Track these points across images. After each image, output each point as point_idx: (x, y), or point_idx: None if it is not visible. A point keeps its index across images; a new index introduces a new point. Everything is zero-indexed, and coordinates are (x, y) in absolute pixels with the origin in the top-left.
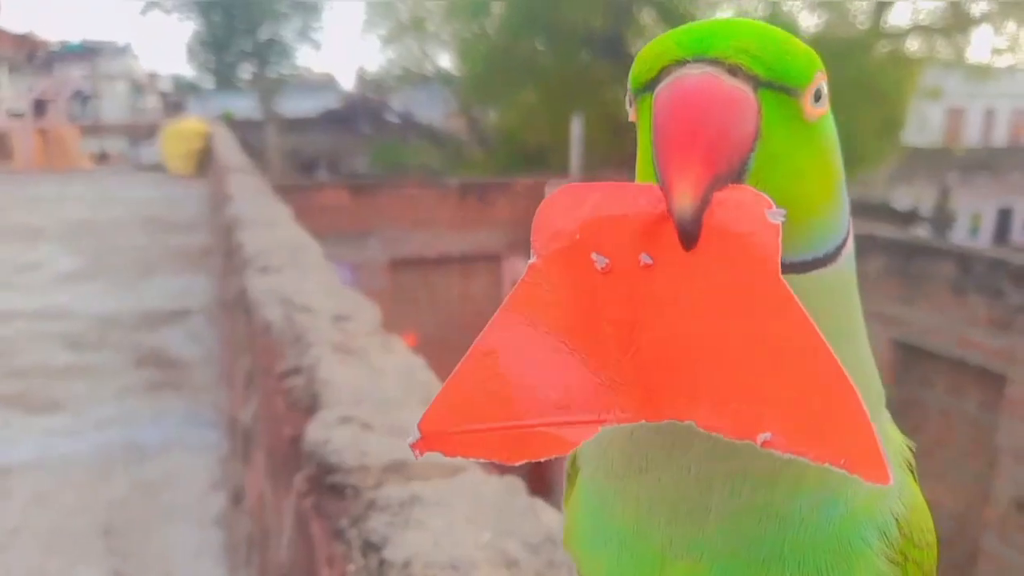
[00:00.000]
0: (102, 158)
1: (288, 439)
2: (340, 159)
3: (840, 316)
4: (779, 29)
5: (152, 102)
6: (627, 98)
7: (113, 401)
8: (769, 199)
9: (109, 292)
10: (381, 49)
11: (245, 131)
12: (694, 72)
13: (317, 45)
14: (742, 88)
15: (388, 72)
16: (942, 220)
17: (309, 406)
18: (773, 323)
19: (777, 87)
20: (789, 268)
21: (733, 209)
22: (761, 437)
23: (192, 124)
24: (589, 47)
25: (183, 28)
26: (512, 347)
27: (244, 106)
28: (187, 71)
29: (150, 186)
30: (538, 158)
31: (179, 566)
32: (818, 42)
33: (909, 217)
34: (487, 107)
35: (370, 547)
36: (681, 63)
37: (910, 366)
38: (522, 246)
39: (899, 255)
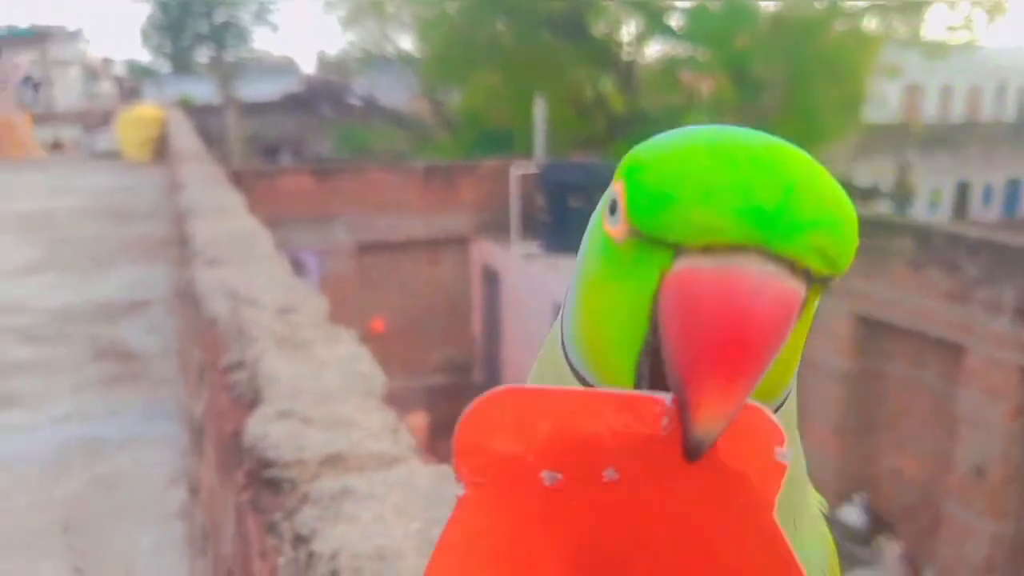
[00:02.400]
0: (55, 146)
1: (230, 434)
2: (303, 143)
3: (791, 435)
4: (835, 189)
5: (106, 88)
6: (607, 211)
7: (70, 395)
8: (782, 432)
9: (65, 284)
10: (341, 31)
11: (204, 116)
12: (754, 270)
13: (274, 27)
14: (798, 292)
15: (349, 55)
16: (902, 196)
17: (251, 401)
18: (757, 557)
19: (825, 281)
20: None
21: (743, 443)
22: None
23: (148, 110)
24: (550, 28)
25: (137, 11)
26: None
27: (202, 91)
28: (142, 56)
29: (106, 174)
30: (503, 140)
31: (140, 561)
32: (777, 21)
33: (870, 193)
34: (450, 89)
35: (300, 540)
36: (740, 248)
37: (871, 339)
38: (489, 228)
39: (858, 231)
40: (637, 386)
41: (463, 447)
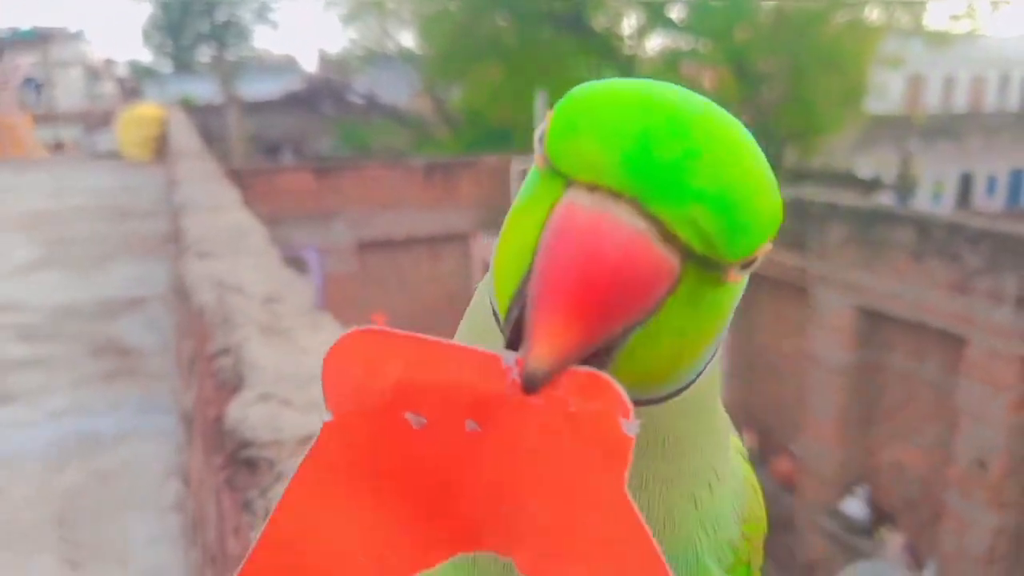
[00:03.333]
0: (57, 147)
1: (213, 419)
2: (304, 141)
3: (697, 416)
4: (752, 168)
5: (108, 89)
6: (537, 139)
7: (68, 391)
8: (628, 405)
9: (65, 282)
10: (342, 29)
11: (206, 116)
12: (619, 217)
13: (275, 25)
14: (668, 263)
15: (350, 52)
16: (905, 187)
17: (235, 386)
18: (610, 531)
19: (710, 265)
20: (646, 402)
21: (588, 410)
22: None
23: (149, 110)
24: (551, 23)
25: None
26: (308, 518)
27: (204, 90)
28: (144, 56)
29: (107, 174)
30: (503, 136)
31: (135, 553)
32: (779, 13)
33: (872, 185)
34: (451, 86)
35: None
36: (616, 194)
37: (872, 331)
38: (490, 224)
39: (859, 223)
40: (510, 311)
41: (328, 378)
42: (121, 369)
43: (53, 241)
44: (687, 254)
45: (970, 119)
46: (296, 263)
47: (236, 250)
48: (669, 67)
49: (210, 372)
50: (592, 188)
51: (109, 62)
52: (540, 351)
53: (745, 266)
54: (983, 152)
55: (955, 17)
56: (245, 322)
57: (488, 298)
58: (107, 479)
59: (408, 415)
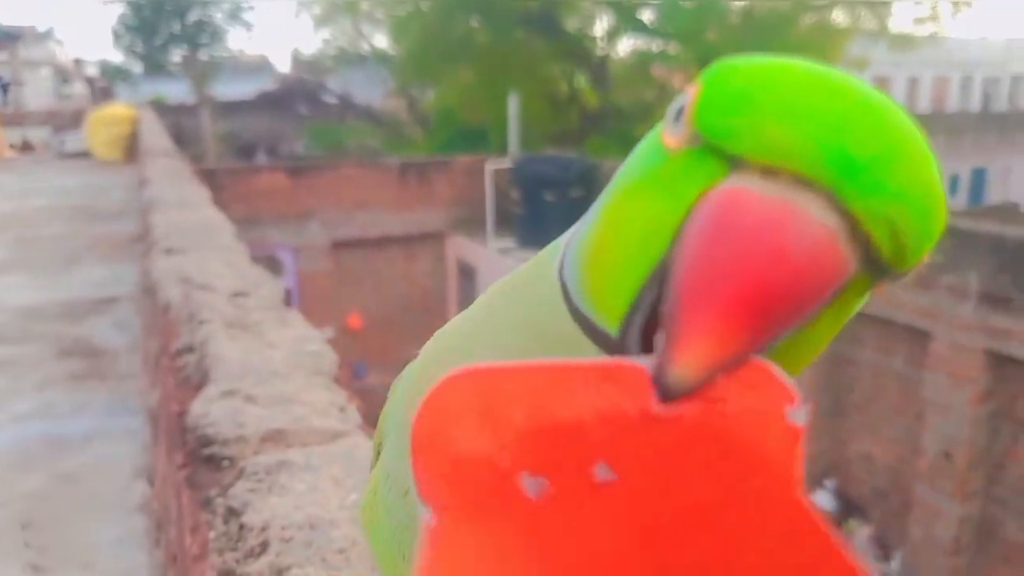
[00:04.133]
0: (25, 147)
1: (175, 415)
2: (278, 142)
3: None
4: (942, 189)
5: (78, 89)
6: (672, 114)
7: (34, 393)
8: (793, 391)
9: (32, 284)
10: (315, 29)
11: (179, 116)
12: (815, 219)
13: (248, 26)
14: (849, 260)
15: (323, 53)
16: None
17: (199, 383)
18: (789, 546)
19: (882, 270)
20: None
21: (750, 406)
22: None
23: (119, 110)
24: (524, 24)
25: (109, 12)
26: None
27: (177, 91)
28: (114, 56)
29: (76, 174)
30: (477, 136)
31: (100, 555)
32: (747, 15)
33: None
34: (424, 86)
35: (231, 513)
36: (807, 182)
37: None
38: (464, 224)
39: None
40: (631, 315)
41: (425, 454)
42: (89, 370)
43: (20, 242)
44: (869, 258)
45: (933, 119)
46: (271, 263)
47: (204, 246)
48: (640, 69)
49: (174, 368)
50: (770, 173)
51: (79, 62)
52: (691, 358)
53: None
54: (946, 151)
55: (919, 20)
56: (211, 317)
57: (561, 289)
58: (72, 481)
59: (525, 478)
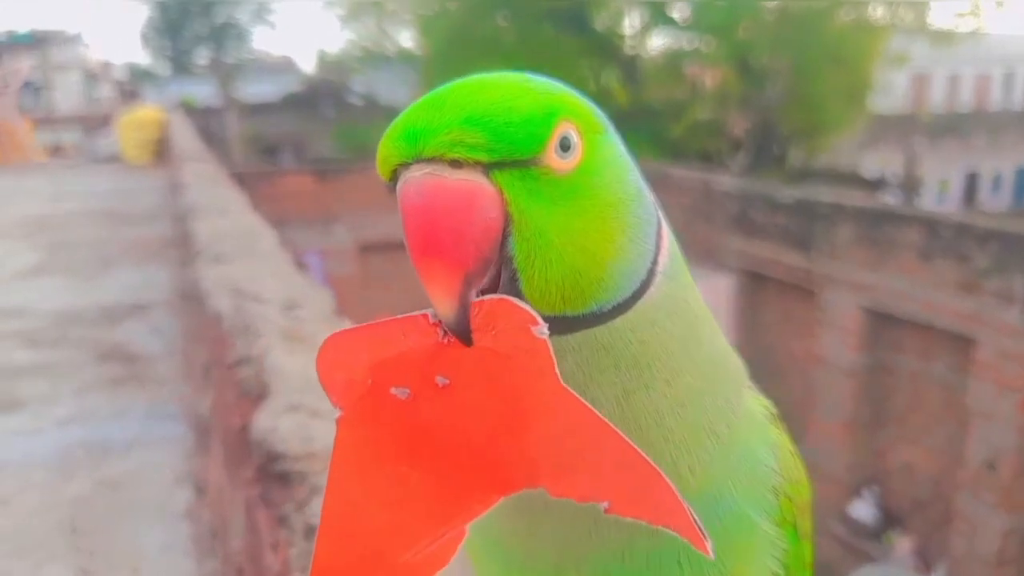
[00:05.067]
0: (57, 150)
1: (238, 429)
2: (304, 143)
3: (665, 337)
4: (508, 89)
5: (106, 91)
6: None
7: (74, 398)
8: (532, 314)
9: (68, 288)
10: (340, 29)
11: (205, 118)
12: (415, 176)
13: (273, 26)
14: (469, 180)
15: (349, 53)
16: (910, 186)
17: (258, 395)
18: (564, 419)
19: (510, 164)
20: (594, 320)
21: (497, 333)
22: (603, 504)
23: (148, 113)
24: (552, 22)
25: (135, 14)
26: (356, 505)
27: (202, 92)
28: (142, 58)
29: (107, 178)
30: None
31: (147, 561)
32: (783, 11)
33: (877, 184)
34: None
35: (312, 531)
36: (406, 165)
37: (880, 332)
38: None
39: (866, 222)
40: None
41: (324, 382)
42: (127, 375)
43: (54, 246)
44: (484, 168)
45: (975, 117)
46: (297, 267)
47: (248, 254)
48: (671, 67)
49: (231, 380)
50: (395, 175)
51: (107, 65)
52: (437, 299)
53: (564, 148)
54: (988, 150)
55: (959, 15)
56: (266, 329)
57: None
58: (116, 487)
59: (393, 390)
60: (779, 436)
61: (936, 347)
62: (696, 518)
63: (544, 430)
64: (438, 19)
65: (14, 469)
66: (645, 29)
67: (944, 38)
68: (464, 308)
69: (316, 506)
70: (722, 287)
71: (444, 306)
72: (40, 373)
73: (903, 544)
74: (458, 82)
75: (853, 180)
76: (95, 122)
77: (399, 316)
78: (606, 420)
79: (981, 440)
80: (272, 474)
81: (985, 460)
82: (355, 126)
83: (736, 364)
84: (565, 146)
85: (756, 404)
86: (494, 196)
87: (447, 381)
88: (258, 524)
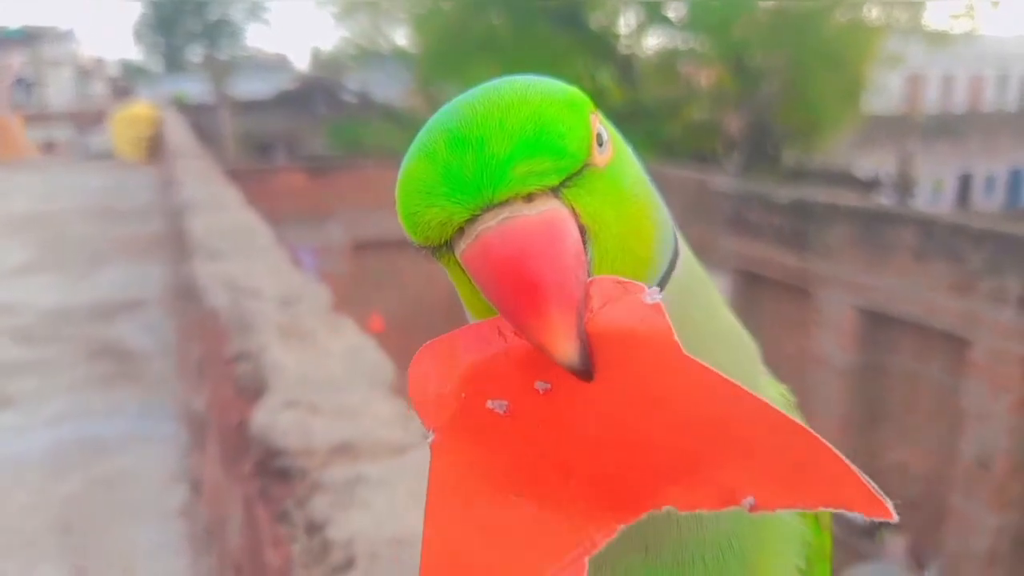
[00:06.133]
0: (49, 147)
1: (236, 425)
2: (297, 141)
3: (696, 311)
4: (531, 100)
5: (99, 88)
6: (413, 245)
7: (66, 396)
8: (638, 284)
9: (60, 284)
10: (334, 27)
11: (198, 115)
12: (490, 227)
13: (267, 23)
14: (549, 210)
15: (343, 51)
16: (904, 186)
17: (256, 391)
18: (697, 396)
19: (574, 177)
20: None
21: (599, 314)
22: (746, 502)
23: (142, 109)
24: (547, 20)
25: (128, 11)
26: (458, 543)
27: (196, 89)
28: (134, 55)
29: (100, 174)
30: None
31: (141, 560)
32: (778, 10)
33: (871, 184)
34: (445, 84)
35: (313, 527)
36: (473, 220)
37: (875, 332)
38: None
39: (861, 223)
40: None
41: (415, 401)
42: (119, 373)
43: (46, 243)
44: (555, 190)
45: (969, 118)
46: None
47: (245, 250)
48: (666, 66)
49: (228, 376)
50: (459, 234)
51: (100, 61)
52: (556, 346)
53: (600, 143)
54: (982, 151)
55: (954, 16)
56: (264, 325)
57: None
58: (110, 485)
59: (490, 404)
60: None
61: (930, 347)
62: (872, 483)
63: (675, 419)
64: (432, 17)
65: (5, 467)
66: (640, 28)
67: (939, 39)
68: (584, 342)
69: (318, 502)
70: (717, 287)
71: (566, 350)
72: (32, 370)
73: (896, 543)
74: (463, 110)
75: (847, 180)
76: (88, 119)
77: (494, 319)
78: (748, 389)
79: (974, 440)
80: (271, 470)
81: (978, 459)
82: (349, 124)
83: (752, 343)
84: (600, 140)
85: (774, 391)
86: (571, 216)
87: (548, 386)
88: (257, 521)
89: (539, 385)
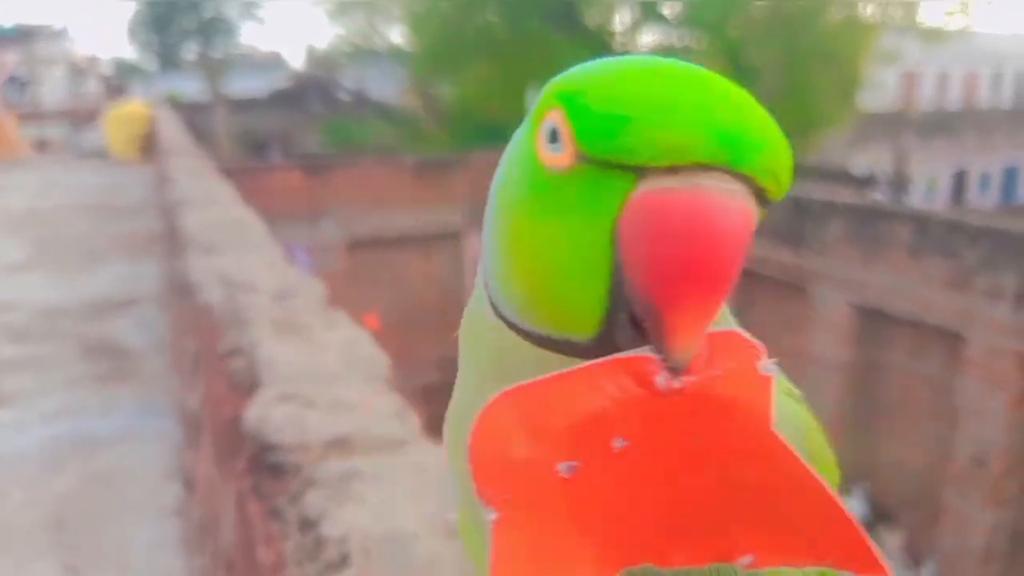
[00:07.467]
0: (43, 145)
1: (229, 420)
2: (292, 139)
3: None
4: (749, 98)
5: (93, 86)
6: (546, 139)
7: (61, 393)
8: (759, 347)
9: (54, 282)
10: (329, 25)
11: (193, 113)
12: (714, 186)
13: (261, 21)
14: (755, 212)
15: (337, 49)
16: (899, 184)
17: (250, 386)
18: (770, 474)
19: (768, 205)
20: None
21: (727, 367)
22: (743, 560)
23: (135, 107)
24: (543, 18)
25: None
26: None
27: (190, 87)
28: (128, 53)
29: (94, 172)
30: (495, 132)
31: (135, 558)
32: (773, 8)
33: (866, 181)
34: (441, 82)
35: (307, 523)
36: (706, 167)
37: (870, 329)
38: (483, 221)
39: (856, 220)
40: (611, 327)
41: (481, 466)
42: (114, 370)
43: (41, 241)
44: (763, 200)
45: (964, 116)
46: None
47: (239, 245)
48: None
49: (222, 371)
50: (671, 171)
51: (93, 59)
52: (684, 338)
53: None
54: (977, 149)
55: (949, 14)
56: (258, 319)
57: (499, 318)
58: (104, 482)
59: (560, 466)
60: (808, 418)
61: (926, 344)
62: (876, 546)
63: (732, 481)
64: (428, 15)
65: (0, 463)
66: (635, 25)
67: (934, 36)
68: (699, 344)
69: (312, 498)
70: None
71: (686, 344)
72: (27, 367)
73: (892, 540)
74: (714, 77)
75: (843, 177)
76: (82, 117)
77: (598, 361)
78: (812, 471)
79: (970, 436)
80: (264, 465)
81: (974, 456)
82: (344, 122)
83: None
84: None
85: (780, 387)
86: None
87: (625, 444)
88: (250, 517)
89: (616, 442)
